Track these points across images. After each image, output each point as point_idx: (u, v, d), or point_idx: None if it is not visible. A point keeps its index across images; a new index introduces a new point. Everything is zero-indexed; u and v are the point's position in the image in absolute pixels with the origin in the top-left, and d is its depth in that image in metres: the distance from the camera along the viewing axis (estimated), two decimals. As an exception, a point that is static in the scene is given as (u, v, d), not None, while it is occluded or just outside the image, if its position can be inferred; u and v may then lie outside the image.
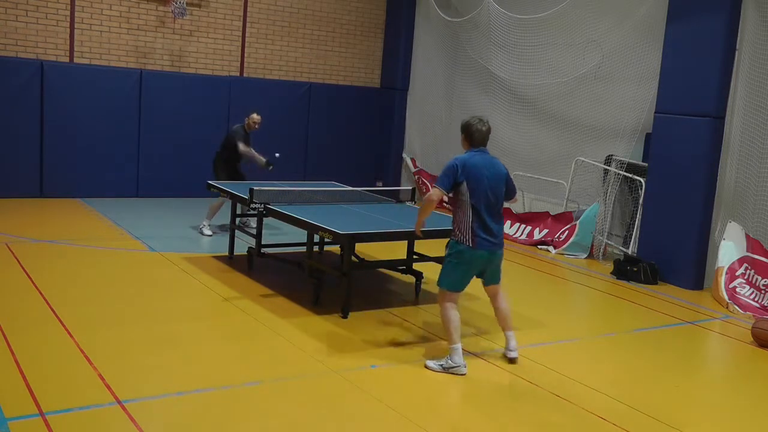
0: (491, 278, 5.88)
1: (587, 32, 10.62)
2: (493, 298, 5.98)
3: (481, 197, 5.53)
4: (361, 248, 8.61)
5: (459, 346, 5.61)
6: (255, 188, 7.67)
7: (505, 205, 6.05)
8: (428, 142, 14.25)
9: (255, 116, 9.97)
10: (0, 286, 6.98)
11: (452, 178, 5.50)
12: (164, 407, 4.71)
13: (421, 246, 7.86)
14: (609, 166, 10.31)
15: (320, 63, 14.11)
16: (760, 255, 8.32)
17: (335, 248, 8.75)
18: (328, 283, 7.18)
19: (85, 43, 11.88)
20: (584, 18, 10.58)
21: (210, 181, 9.06)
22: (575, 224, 10.43)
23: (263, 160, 9.84)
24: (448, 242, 5.77)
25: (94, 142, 11.88)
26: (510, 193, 5.84)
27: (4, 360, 5.19)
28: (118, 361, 5.33)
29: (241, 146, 9.71)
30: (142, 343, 5.78)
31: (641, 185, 9.70)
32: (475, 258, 5.61)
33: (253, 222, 9.36)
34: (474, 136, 5.63)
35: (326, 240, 7.82)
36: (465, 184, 5.51)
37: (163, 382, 5.07)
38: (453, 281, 5.65)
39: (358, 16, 14.39)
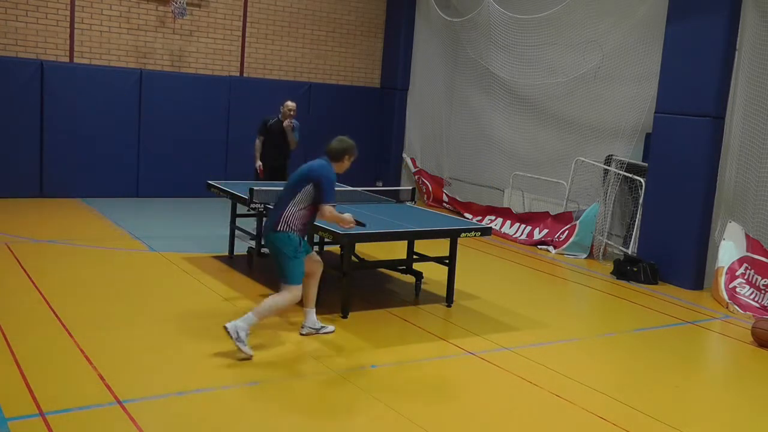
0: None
1: (587, 32, 10.61)
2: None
3: None
4: (361, 248, 8.61)
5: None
6: (255, 188, 7.66)
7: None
8: (428, 142, 14.25)
9: (287, 103, 9.76)
10: (0, 286, 6.99)
11: None
12: (164, 407, 4.71)
13: (421, 246, 7.86)
14: (609, 166, 10.30)
15: (320, 63, 14.10)
16: (760, 255, 8.32)
17: (335, 248, 8.74)
18: (328, 283, 7.17)
19: (85, 43, 11.87)
20: (584, 18, 10.57)
21: (210, 181, 9.04)
22: (575, 224, 10.43)
23: (259, 164, 9.76)
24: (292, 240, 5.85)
25: (94, 142, 11.88)
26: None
27: (4, 360, 5.19)
28: (118, 361, 5.33)
29: (256, 141, 9.70)
30: (142, 343, 5.78)
31: (641, 185, 9.69)
32: None
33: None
34: None
35: (326, 240, 7.81)
36: None
37: (163, 382, 5.06)
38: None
39: (358, 16, 14.39)
